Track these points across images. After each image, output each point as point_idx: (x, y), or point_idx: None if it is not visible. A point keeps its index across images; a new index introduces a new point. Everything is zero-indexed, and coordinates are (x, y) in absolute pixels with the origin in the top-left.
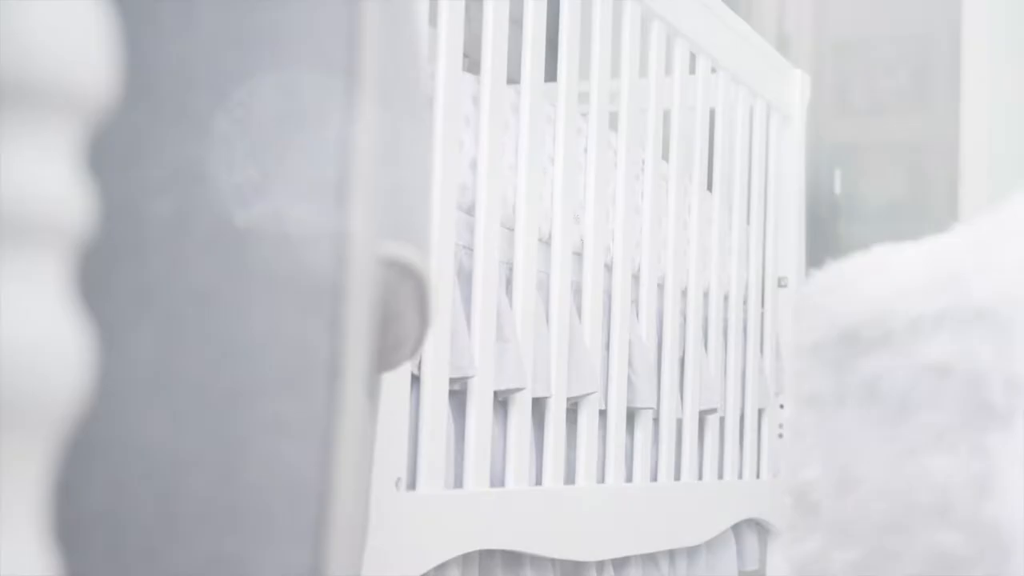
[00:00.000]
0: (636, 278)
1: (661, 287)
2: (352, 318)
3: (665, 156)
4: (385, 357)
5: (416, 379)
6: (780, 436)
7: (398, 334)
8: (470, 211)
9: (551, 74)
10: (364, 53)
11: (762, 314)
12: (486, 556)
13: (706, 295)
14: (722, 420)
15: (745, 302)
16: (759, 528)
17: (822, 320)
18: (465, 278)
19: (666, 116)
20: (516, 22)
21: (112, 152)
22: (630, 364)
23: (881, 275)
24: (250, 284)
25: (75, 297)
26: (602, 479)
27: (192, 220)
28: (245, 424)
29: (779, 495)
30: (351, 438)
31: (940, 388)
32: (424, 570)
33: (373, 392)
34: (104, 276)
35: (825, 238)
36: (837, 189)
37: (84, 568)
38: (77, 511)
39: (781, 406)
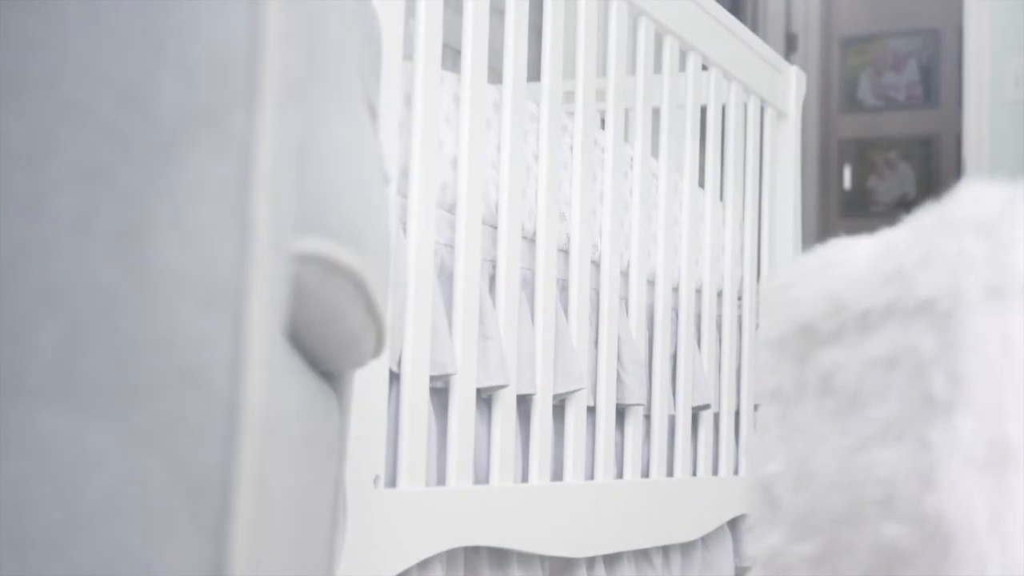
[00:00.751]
0: (625, 275)
1: (651, 284)
2: (254, 314)
3: (655, 153)
4: (341, 355)
5: (397, 377)
6: None
7: (346, 331)
8: (452, 209)
9: (539, 74)
10: (267, 53)
11: (757, 310)
12: (472, 553)
13: (699, 291)
14: (716, 416)
15: (740, 298)
16: None
17: (783, 315)
18: (447, 276)
19: (657, 113)
20: (499, 12)
21: (15, 150)
22: (619, 361)
23: (835, 269)
24: (152, 282)
25: None
26: (591, 476)
27: (95, 219)
28: (148, 420)
29: (744, 491)
30: (255, 434)
31: (887, 381)
32: (404, 567)
33: (321, 389)
34: (7, 274)
35: (835, 234)
36: (847, 185)
37: None
38: None
39: None
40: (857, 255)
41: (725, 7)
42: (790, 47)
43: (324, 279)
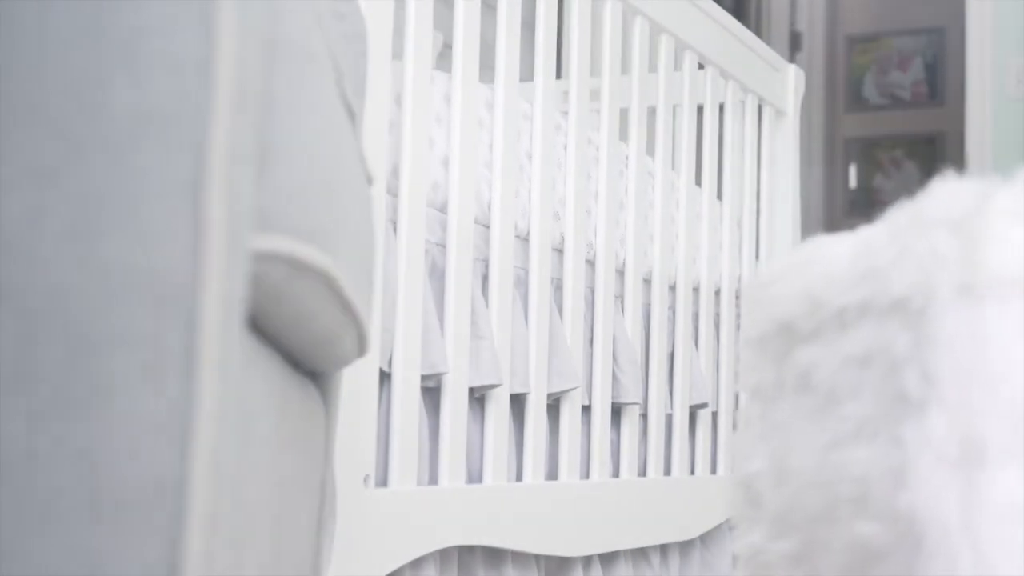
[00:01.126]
0: (621, 273)
1: (648, 282)
2: (208, 312)
3: (651, 152)
4: (320, 354)
5: (388, 376)
6: None
7: (322, 331)
8: (443, 208)
9: (536, 75)
10: (220, 52)
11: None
12: (466, 553)
13: (696, 290)
14: (714, 415)
15: (738, 296)
16: None
17: (765, 313)
18: (439, 275)
19: (653, 112)
20: (491, 7)
21: None
22: (615, 359)
23: (814, 268)
24: (105, 280)
25: None
26: (586, 475)
27: (47, 218)
28: (102, 419)
29: (728, 489)
30: (210, 431)
31: (862, 379)
32: (395, 567)
33: (302, 388)
34: None
35: (842, 232)
36: (853, 183)
37: None
38: None
39: None
40: (835, 253)
41: (730, 5)
42: (795, 46)
43: (290, 278)
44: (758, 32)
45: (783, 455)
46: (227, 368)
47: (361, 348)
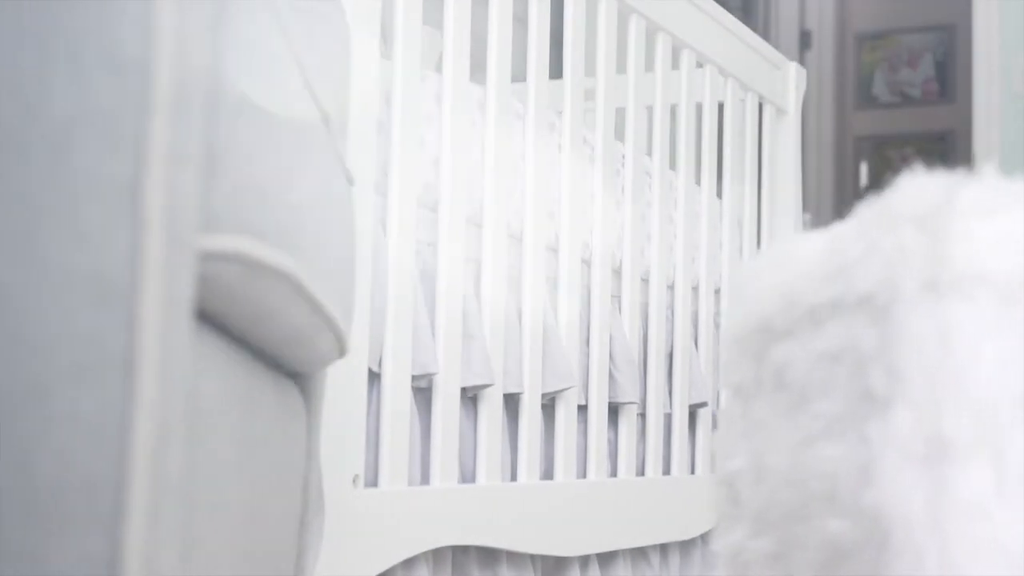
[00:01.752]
0: (617, 273)
1: (645, 282)
2: (148, 312)
3: (649, 151)
4: (293, 354)
5: (378, 377)
6: None
7: (289, 331)
8: (435, 208)
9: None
10: (162, 52)
11: None
12: (460, 553)
13: (695, 289)
14: (714, 414)
15: None
16: None
17: (744, 310)
18: (431, 275)
19: (651, 112)
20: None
21: None
22: (611, 359)
23: (789, 265)
24: (45, 280)
25: None
26: (583, 475)
27: None
28: (39, 418)
29: (711, 487)
30: (149, 430)
31: (833, 376)
32: (386, 567)
33: (277, 387)
34: None
35: None
36: (863, 181)
37: None
38: None
39: None
40: (808, 250)
41: (739, 3)
42: (804, 44)
43: (246, 277)
44: (767, 31)
45: (760, 453)
46: (170, 367)
47: (340, 349)
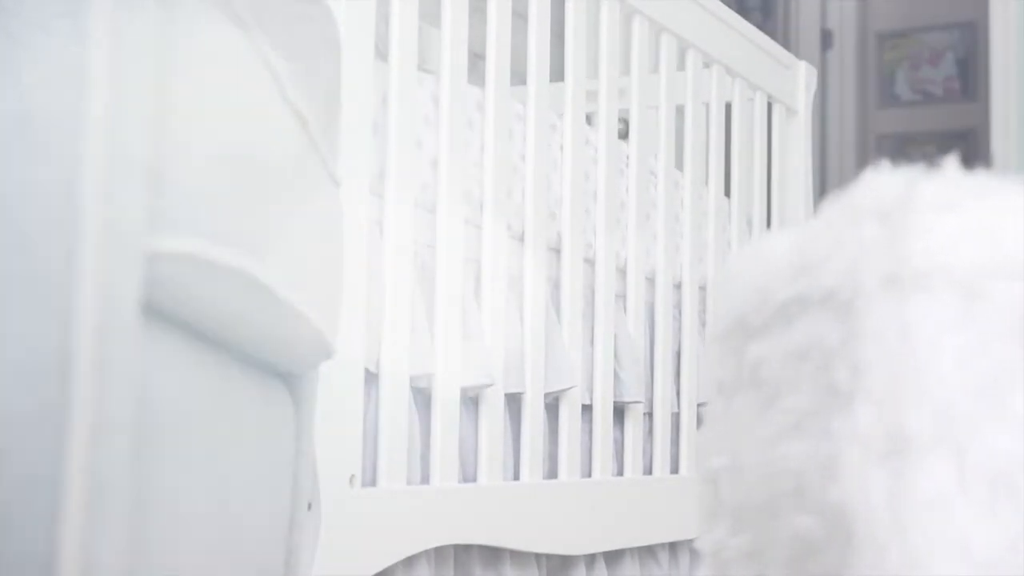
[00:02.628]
0: (622, 272)
1: (651, 281)
2: (85, 314)
3: (655, 152)
4: (272, 354)
5: (375, 377)
6: None
7: (262, 331)
8: (432, 209)
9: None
10: (95, 60)
11: None
12: (463, 552)
13: (702, 288)
14: None
15: None
16: None
17: (724, 308)
18: (430, 276)
19: (656, 112)
20: (481, 10)
21: None
22: (616, 358)
23: (762, 261)
24: None
25: None
26: (588, 474)
27: None
28: None
29: (696, 485)
30: (85, 428)
31: (800, 372)
32: (384, 566)
33: (259, 387)
34: None
35: None
36: None
37: None
38: None
39: None
40: (781, 246)
41: (759, 4)
42: (825, 43)
43: (203, 278)
44: (787, 31)
45: (738, 450)
46: (111, 367)
47: (326, 350)
